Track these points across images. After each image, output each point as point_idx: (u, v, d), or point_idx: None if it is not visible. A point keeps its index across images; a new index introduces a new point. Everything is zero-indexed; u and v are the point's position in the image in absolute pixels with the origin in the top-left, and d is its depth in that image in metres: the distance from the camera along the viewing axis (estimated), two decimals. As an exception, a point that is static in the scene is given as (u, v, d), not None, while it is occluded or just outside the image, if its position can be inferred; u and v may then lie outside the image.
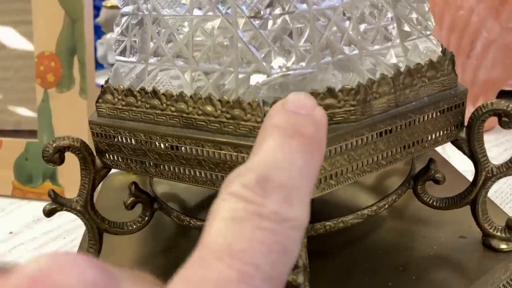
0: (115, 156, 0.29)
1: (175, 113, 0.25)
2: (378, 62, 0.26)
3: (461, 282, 0.28)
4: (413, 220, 0.34)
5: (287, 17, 0.24)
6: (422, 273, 0.29)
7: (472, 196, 0.30)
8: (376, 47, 0.26)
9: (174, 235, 0.36)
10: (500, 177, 0.29)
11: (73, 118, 0.51)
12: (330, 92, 0.24)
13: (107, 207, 0.36)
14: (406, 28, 0.27)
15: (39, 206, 0.33)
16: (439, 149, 0.51)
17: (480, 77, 0.56)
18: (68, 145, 0.28)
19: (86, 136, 0.45)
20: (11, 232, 0.47)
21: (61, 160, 0.29)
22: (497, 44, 0.53)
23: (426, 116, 0.27)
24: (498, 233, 0.30)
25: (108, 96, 0.28)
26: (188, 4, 0.26)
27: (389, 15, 0.27)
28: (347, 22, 0.25)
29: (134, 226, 0.31)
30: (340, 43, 0.25)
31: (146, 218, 0.31)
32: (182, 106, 0.25)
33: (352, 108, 0.24)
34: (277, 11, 0.24)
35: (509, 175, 0.29)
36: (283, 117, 0.16)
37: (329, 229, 0.28)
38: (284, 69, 0.24)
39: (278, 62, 0.24)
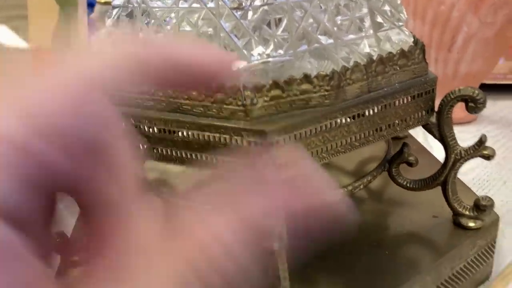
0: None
1: (162, 98, 0.27)
2: (352, 51, 0.28)
3: (431, 256, 0.30)
4: (390, 202, 0.36)
5: (266, 8, 0.26)
6: (395, 248, 0.31)
7: (443, 177, 0.32)
8: (351, 36, 0.28)
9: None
10: (468, 159, 0.31)
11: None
12: (306, 78, 0.26)
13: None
14: (379, 19, 0.29)
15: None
16: (420, 139, 0.53)
17: (461, 70, 0.58)
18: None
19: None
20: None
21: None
22: (477, 38, 0.55)
23: (397, 102, 0.29)
24: (467, 212, 0.32)
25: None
26: (175, -4, 0.28)
27: (363, 7, 0.29)
28: (323, 14, 0.27)
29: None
30: (316, 33, 0.27)
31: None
32: (169, 92, 0.27)
33: (326, 93, 0.26)
34: (257, 2, 0.26)
35: (475, 156, 0.31)
36: None
37: (307, 207, 0.30)
38: (264, 56, 0.25)
39: (258, 50, 0.26)
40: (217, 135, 0.26)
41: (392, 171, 0.33)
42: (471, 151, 0.30)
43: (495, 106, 0.68)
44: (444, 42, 0.56)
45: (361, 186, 0.31)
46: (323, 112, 0.26)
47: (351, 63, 0.27)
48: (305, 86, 0.26)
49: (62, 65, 0.15)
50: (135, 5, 0.29)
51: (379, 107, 0.28)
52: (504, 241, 0.38)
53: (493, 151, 0.30)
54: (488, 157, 0.30)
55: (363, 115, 0.28)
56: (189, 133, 0.27)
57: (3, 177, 0.12)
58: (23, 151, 0.13)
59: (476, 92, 0.29)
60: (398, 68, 0.29)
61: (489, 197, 0.32)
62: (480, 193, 0.45)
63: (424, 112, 0.30)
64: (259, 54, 0.25)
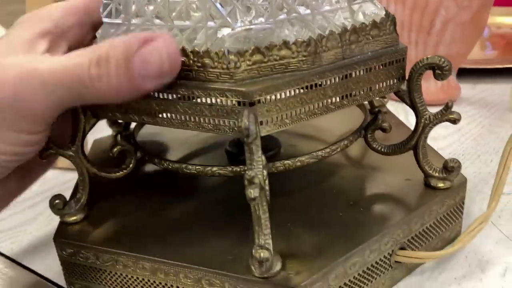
0: (102, 107, 0.33)
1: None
2: (328, 21, 0.30)
3: (401, 212, 0.33)
4: (367, 167, 0.39)
5: (248, -20, 0.28)
6: (369, 206, 0.33)
7: (414, 141, 0.34)
8: (326, 8, 0.30)
9: (158, 184, 0.40)
10: (437, 123, 0.33)
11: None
12: (285, 44, 0.28)
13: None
14: (353, -7, 0.32)
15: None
16: (402, 117, 0.56)
17: (440, 52, 0.60)
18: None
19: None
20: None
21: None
22: (454, 22, 0.58)
23: (369, 68, 0.31)
24: (437, 174, 0.35)
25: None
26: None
27: (339, -18, 0.31)
28: (301, -13, 0.30)
29: (120, 172, 0.35)
30: (294, 4, 0.29)
31: (131, 164, 0.35)
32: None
33: (304, 58, 0.29)
34: (240, -25, 0.28)
35: (443, 121, 0.33)
36: None
37: (288, 166, 0.32)
38: (247, 23, 0.28)
39: (241, 17, 0.28)
40: (204, 96, 0.28)
41: (368, 137, 0.36)
42: (439, 116, 0.33)
43: (474, 89, 0.70)
44: (424, 25, 0.59)
45: (338, 149, 0.34)
46: (301, 75, 0.28)
47: (327, 32, 0.30)
48: (284, 52, 0.28)
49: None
50: (128, -20, 0.31)
51: (353, 73, 0.30)
52: (475, 206, 0.41)
53: (459, 115, 0.33)
54: (454, 121, 0.33)
55: (338, 79, 0.30)
56: (179, 95, 0.29)
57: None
58: None
59: (442, 60, 0.32)
60: (370, 38, 0.31)
61: (457, 159, 0.35)
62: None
63: (395, 80, 0.33)
64: (242, 21, 0.28)
